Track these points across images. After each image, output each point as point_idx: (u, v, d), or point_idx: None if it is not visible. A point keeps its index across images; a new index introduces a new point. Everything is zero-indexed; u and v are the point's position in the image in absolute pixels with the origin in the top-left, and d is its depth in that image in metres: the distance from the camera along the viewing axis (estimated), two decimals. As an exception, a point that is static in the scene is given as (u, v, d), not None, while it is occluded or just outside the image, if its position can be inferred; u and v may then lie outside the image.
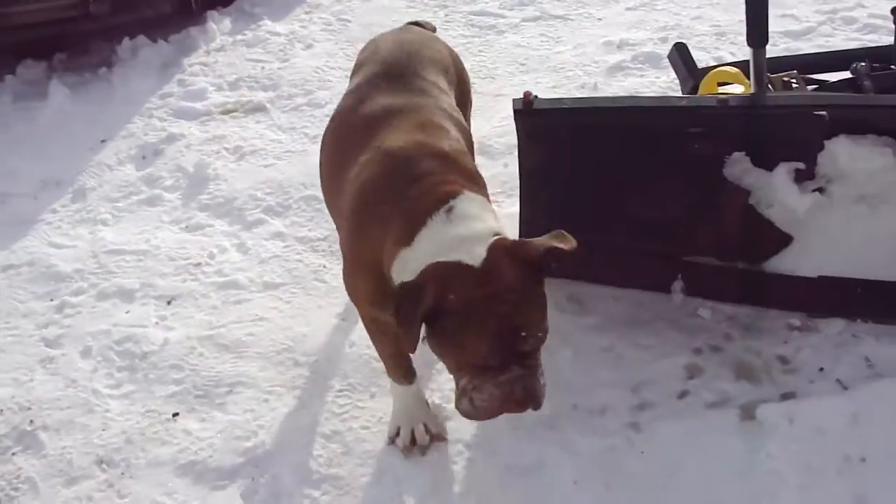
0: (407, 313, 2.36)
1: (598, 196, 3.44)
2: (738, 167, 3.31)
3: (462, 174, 2.68)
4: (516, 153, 3.45)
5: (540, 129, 3.39)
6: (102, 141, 5.11)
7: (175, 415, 3.32)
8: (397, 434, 3.07)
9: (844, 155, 3.23)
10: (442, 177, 2.60)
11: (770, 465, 2.90)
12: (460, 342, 2.38)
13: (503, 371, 2.39)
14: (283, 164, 4.73)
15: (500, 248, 2.42)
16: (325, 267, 3.94)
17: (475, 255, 2.40)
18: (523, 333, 2.37)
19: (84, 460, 3.20)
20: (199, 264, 4.04)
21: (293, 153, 4.80)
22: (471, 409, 2.46)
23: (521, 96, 3.34)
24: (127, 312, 3.82)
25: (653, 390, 3.21)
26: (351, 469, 3.05)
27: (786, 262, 3.39)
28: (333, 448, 3.12)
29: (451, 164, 2.69)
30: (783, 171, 3.27)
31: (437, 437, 3.07)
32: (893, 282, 3.32)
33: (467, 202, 2.54)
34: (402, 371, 3.02)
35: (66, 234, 4.41)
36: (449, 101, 3.08)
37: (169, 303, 3.84)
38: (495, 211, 2.67)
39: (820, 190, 3.28)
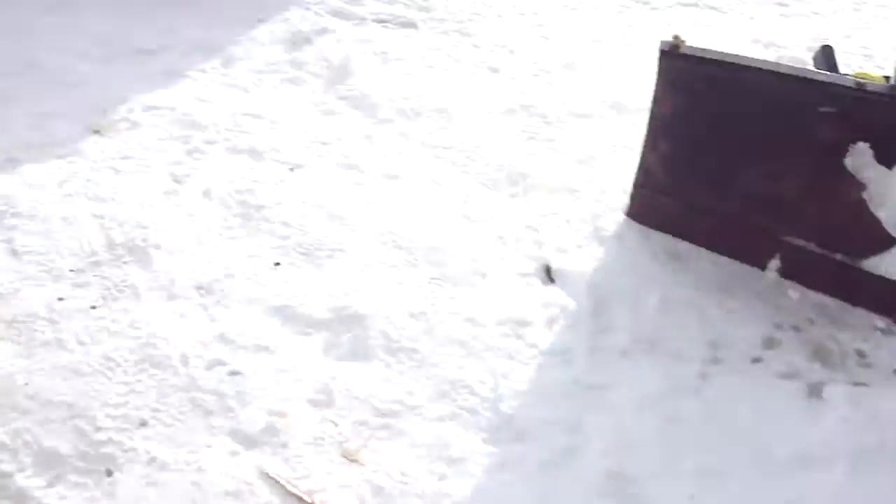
0: None
1: (717, 157, 3.53)
2: (860, 158, 3.31)
3: None
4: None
5: (680, 74, 3.47)
6: (259, 20, 5.37)
7: (276, 264, 3.52)
8: None
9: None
10: None
11: (823, 435, 2.99)
12: None
13: None
14: (423, 75, 4.92)
15: None
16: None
17: None
18: None
19: (185, 282, 3.40)
20: (325, 143, 4.24)
21: (434, 69, 4.99)
22: None
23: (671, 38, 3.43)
24: (251, 169, 4.04)
25: (728, 349, 3.29)
26: (430, 349, 3.21)
27: (885, 264, 3.43)
28: (417, 326, 3.29)
29: None
30: (903, 173, 3.34)
31: None
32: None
33: None
34: None
35: (210, 91, 4.66)
36: None
37: (292, 170, 4.05)
38: None
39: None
